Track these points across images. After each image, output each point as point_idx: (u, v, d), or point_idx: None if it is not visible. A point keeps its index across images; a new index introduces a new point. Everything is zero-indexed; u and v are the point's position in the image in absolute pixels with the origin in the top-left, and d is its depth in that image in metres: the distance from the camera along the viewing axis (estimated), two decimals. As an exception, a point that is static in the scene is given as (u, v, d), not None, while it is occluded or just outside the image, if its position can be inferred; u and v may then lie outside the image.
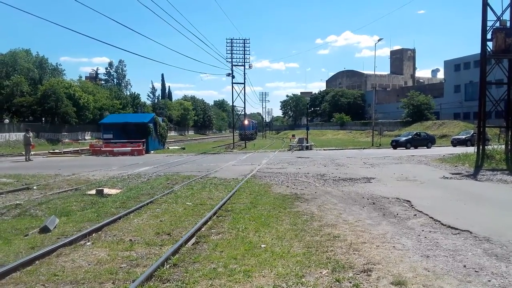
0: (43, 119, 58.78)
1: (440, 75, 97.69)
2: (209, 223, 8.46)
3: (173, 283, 5.18)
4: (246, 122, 64.18)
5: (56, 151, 37.43)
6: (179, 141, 72.09)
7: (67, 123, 58.70)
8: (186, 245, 6.81)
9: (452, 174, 16.97)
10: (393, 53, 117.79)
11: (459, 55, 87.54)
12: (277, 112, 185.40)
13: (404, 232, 7.71)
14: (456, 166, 19.67)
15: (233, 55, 48.74)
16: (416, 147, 37.95)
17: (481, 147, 20.51)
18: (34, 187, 14.20)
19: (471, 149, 23.99)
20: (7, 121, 50.89)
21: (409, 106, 66.59)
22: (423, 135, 41.31)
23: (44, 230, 7.97)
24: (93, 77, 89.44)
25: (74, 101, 58.46)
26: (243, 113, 57.54)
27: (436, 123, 61.19)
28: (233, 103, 52.01)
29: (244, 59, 49.60)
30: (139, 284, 4.91)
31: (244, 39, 49.37)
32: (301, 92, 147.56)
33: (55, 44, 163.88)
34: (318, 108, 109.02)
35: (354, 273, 5.46)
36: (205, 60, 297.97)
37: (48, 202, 11.31)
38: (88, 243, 7.10)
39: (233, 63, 48.60)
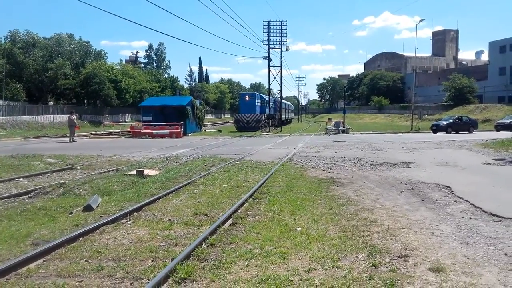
0: (86, 101, 60.58)
1: (485, 57, 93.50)
2: (245, 205, 8.56)
3: (210, 262, 5.30)
4: (247, 97, 50.03)
5: (97, 132, 38.67)
6: (215, 124, 72.87)
7: (109, 105, 60.31)
8: (223, 226, 6.93)
9: (495, 160, 16.39)
10: (434, 34, 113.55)
11: (505, 36, 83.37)
12: (313, 96, 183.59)
13: (443, 218, 7.55)
14: (499, 152, 18.97)
15: (270, 37, 48.46)
16: (457, 132, 36.86)
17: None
18: (78, 167, 14.73)
19: (516, 134, 23.08)
20: (51, 103, 52.85)
21: (450, 89, 64.40)
22: (465, 119, 40.01)
23: (87, 208, 8.28)
24: (133, 61, 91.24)
25: (115, 84, 59.86)
26: (279, 96, 57.25)
27: (479, 107, 59.04)
28: (269, 86, 51.77)
29: (281, 41, 49.27)
30: (178, 262, 5.04)
31: (281, 21, 48.93)
32: (338, 75, 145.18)
33: (95, 28, 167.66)
34: (355, 91, 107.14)
35: (391, 258, 5.41)
36: (241, 43, 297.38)
37: (91, 181, 11.71)
38: (129, 222, 7.33)
39: (270, 46, 48.35)
